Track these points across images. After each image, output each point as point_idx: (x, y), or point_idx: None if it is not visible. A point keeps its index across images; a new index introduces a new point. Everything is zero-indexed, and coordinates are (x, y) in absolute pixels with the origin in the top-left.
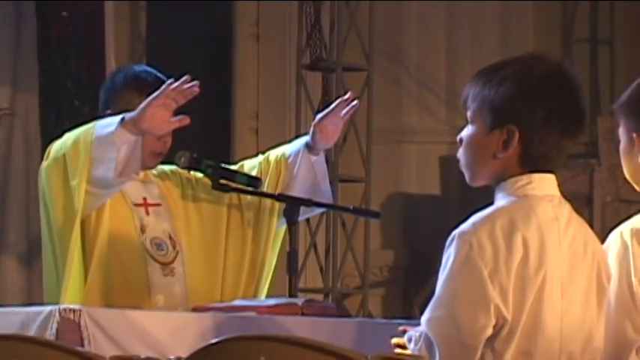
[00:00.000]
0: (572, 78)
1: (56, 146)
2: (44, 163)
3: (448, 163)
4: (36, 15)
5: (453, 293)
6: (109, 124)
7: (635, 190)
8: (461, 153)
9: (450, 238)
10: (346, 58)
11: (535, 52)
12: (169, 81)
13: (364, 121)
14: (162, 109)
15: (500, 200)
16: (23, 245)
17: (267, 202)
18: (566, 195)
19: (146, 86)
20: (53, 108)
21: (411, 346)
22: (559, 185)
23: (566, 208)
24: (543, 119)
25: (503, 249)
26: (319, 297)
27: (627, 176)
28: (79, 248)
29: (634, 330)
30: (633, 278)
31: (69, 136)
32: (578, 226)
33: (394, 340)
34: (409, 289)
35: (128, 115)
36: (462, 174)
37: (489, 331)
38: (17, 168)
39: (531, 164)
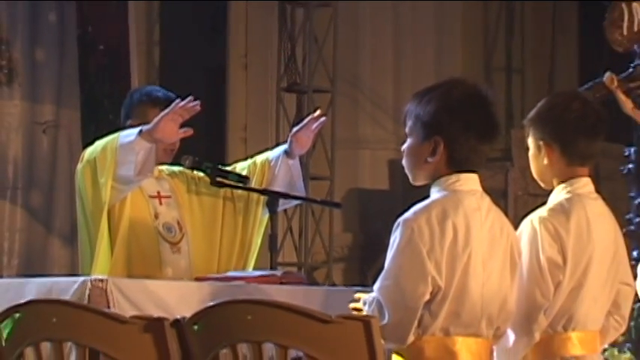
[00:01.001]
0: (486, 96)
1: (88, 152)
2: (79, 165)
3: (394, 165)
4: (77, 46)
5: (399, 267)
6: (130, 134)
7: (540, 187)
8: (404, 160)
9: (396, 223)
10: (315, 82)
11: (456, 78)
12: (177, 100)
13: (329, 132)
14: (172, 122)
15: (435, 194)
16: (67, 229)
17: (254, 195)
18: (487, 190)
19: (157, 101)
20: (92, 121)
21: (366, 308)
22: (481, 182)
23: (487, 200)
24: (462, 130)
25: (438, 232)
26: (294, 270)
27: (535, 175)
28: (106, 231)
29: (542, 296)
30: (541, 256)
31: (98, 144)
32: (496, 214)
33: (352, 305)
34: (364, 263)
35: (145, 127)
36: (405, 174)
37: (427, 297)
38: (62, 169)
39: (456, 166)
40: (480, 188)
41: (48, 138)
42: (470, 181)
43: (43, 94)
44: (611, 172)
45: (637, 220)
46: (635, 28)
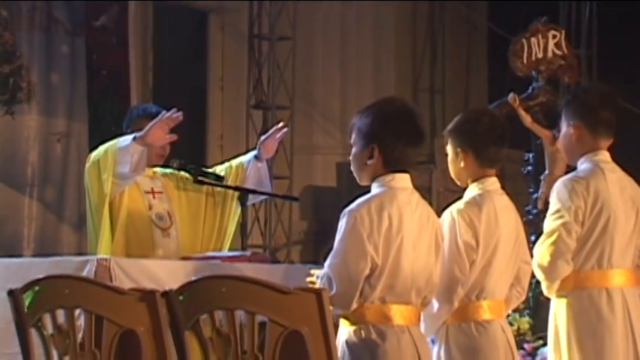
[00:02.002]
0: (413, 110)
1: (94, 154)
2: (87, 165)
3: (341, 167)
4: (86, 72)
5: (344, 248)
6: (126, 139)
7: (457, 185)
8: (351, 165)
9: (342, 213)
10: (277, 101)
11: (389, 96)
12: (164, 112)
13: (289, 140)
14: (160, 129)
15: (374, 190)
16: (75, 218)
17: (229, 191)
18: (416, 187)
19: (151, 115)
20: (97, 132)
21: (318, 281)
22: (412, 181)
23: (416, 195)
24: (393, 138)
25: (376, 220)
26: (260, 251)
27: (453, 176)
28: (108, 219)
29: (460, 271)
30: (459, 239)
31: (102, 148)
32: (423, 206)
33: (308, 279)
34: (316, 245)
35: (138, 134)
36: (350, 173)
37: (367, 272)
38: (71, 170)
39: (391, 167)
40: (410, 185)
41: (61, 146)
42: (402, 180)
43: (57, 110)
44: (514, 173)
45: (534, 211)
46: (533, 58)
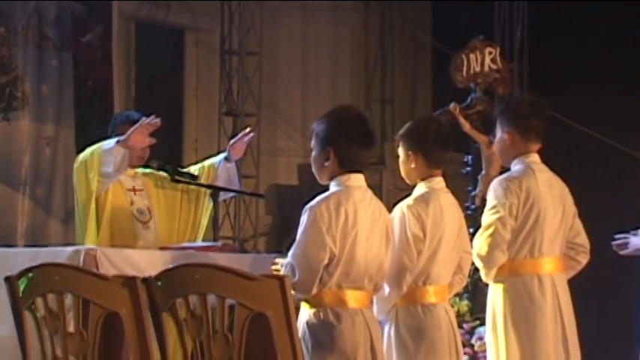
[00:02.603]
0: (364, 117)
1: (81, 156)
2: (75, 165)
3: (302, 168)
4: (73, 83)
5: (305, 240)
6: (110, 142)
7: (406, 183)
8: (312, 166)
9: (304, 209)
10: (246, 109)
11: (344, 105)
12: (144, 118)
13: (256, 144)
14: (140, 134)
15: (332, 188)
16: (62, 214)
17: (202, 189)
18: (369, 185)
19: (133, 122)
20: (83, 136)
21: (282, 269)
22: (365, 180)
23: (369, 193)
24: (346, 141)
25: (334, 215)
26: (230, 242)
27: (403, 175)
28: (94, 214)
29: (408, 260)
30: (408, 231)
31: (88, 150)
32: (376, 203)
33: (273, 267)
34: (280, 237)
35: (121, 138)
36: (311, 173)
37: (326, 261)
38: (59, 171)
39: (346, 167)
40: (364, 184)
41: (49, 149)
42: (357, 179)
43: (46, 117)
44: (455, 173)
45: (473, 207)
46: (471, 72)
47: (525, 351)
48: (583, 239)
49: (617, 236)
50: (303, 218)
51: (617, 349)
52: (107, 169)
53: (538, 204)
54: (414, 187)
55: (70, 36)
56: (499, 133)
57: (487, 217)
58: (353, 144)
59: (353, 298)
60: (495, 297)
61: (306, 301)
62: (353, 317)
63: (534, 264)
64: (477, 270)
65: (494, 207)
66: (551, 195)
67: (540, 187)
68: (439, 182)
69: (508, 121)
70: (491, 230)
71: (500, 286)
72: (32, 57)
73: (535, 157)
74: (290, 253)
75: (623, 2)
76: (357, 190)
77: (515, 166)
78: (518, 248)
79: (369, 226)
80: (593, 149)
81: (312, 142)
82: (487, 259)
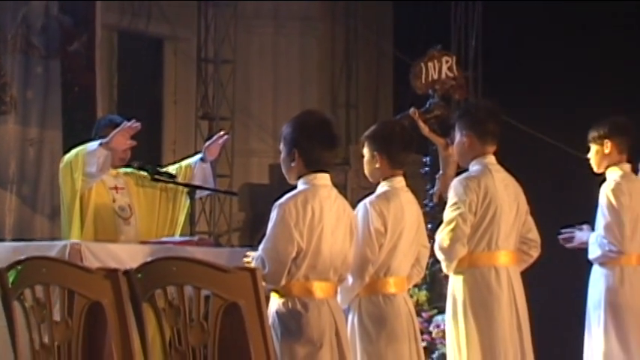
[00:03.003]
0: (327, 119)
1: (67, 157)
2: (61, 165)
3: (273, 168)
4: (61, 87)
5: (275, 235)
6: (94, 144)
7: (369, 182)
8: (281, 166)
9: (274, 206)
10: (220, 112)
11: (309, 109)
12: (125, 122)
13: (230, 145)
14: (121, 136)
15: (300, 187)
16: (47, 210)
17: (180, 187)
18: (334, 184)
19: (116, 125)
20: (70, 138)
21: (253, 262)
22: (331, 179)
23: (334, 191)
24: (310, 143)
25: (301, 212)
26: (206, 236)
27: (367, 175)
28: (78, 211)
29: (371, 253)
30: (371, 226)
31: (73, 151)
32: (341, 200)
33: (245, 259)
34: (252, 232)
35: (104, 140)
36: (281, 173)
37: (294, 254)
38: (45, 170)
39: (311, 167)
40: (329, 183)
41: (33, 150)
42: (323, 179)
43: (30, 121)
44: (414, 173)
45: (430, 204)
46: (430, 79)
47: (484, 337)
48: (535, 235)
49: (564, 231)
50: (273, 215)
51: (566, 331)
52: (91, 170)
53: (495, 201)
54: (376, 185)
55: (57, 45)
56: (458, 137)
57: (449, 213)
58: (316, 145)
59: (319, 288)
60: (455, 287)
61: (276, 291)
62: (319, 306)
63: (491, 257)
64: (435, 262)
65: (455, 204)
66: (507, 193)
67: (497, 186)
68: (400, 181)
69: (466, 125)
70: (452, 225)
71: (460, 277)
72: (19, 64)
73: (492, 159)
74: (260, 247)
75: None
76: (322, 189)
77: (474, 167)
78: (476, 242)
79: (334, 222)
80: (543, 151)
81: (281, 145)
82: (449, 252)
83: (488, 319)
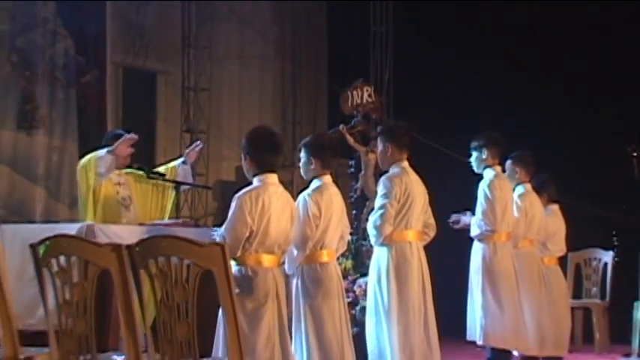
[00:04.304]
0: (273, 132)
1: (82, 161)
2: (77, 167)
3: (238, 168)
4: (77, 110)
5: (233, 219)
6: (102, 152)
7: (306, 181)
8: (243, 168)
9: (234, 197)
10: (199, 127)
11: (260, 125)
12: (126, 134)
13: (206, 151)
14: (124, 145)
15: (255, 183)
16: (67, 200)
17: (168, 183)
18: (283, 181)
19: (119, 136)
20: (84, 147)
21: (217, 237)
22: (280, 178)
23: (281, 187)
24: (255, 149)
25: (254, 203)
26: (188, 219)
27: (303, 175)
28: (92, 201)
29: (310, 231)
30: (309, 211)
31: (87, 157)
32: (285, 194)
33: (211, 233)
34: (222, 216)
35: (110, 148)
36: (242, 173)
37: (247, 234)
38: (65, 170)
39: (260, 168)
40: (277, 181)
41: (56, 155)
42: (271, 177)
43: (54, 134)
44: (342, 173)
45: (355, 196)
46: (354, 103)
47: (400, 295)
48: (432, 220)
49: (453, 216)
50: (233, 204)
51: (457, 292)
52: (101, 170)
53: (411, 194)
54: (310, 181)
55: (74, 77)
56: (381, 147)
57: (380, 201)
58: (261, 151)
59: (266, 260)
60: (380, 257)
61: (234, 259)
62: (265, 273)
63: (407, 234)
64: (358, 239)
65: (384, 194)
66: (418, 188)
67: (412, 183)
68: (329, 179)
69: (388, 138)
70: (383, 210)
71: (384, 249)
72: (46, 92)
73: (406, 163)
74: (223, 226)
75: (463, 44)
76: (271, 186)
77: (394, 169)
78: (397, 223)
79: (279, 211)
80: (438, 158)
81: (242, 151)
82: (380, 229)
83: (404, 281)
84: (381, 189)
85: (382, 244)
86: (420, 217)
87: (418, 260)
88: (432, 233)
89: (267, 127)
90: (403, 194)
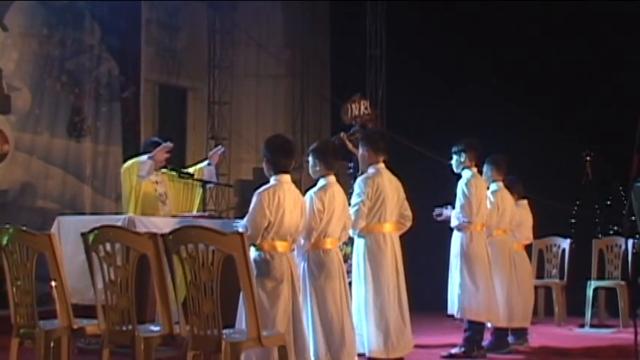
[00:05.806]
0: (287, 139)
1: (126, 164)
2: (122, 170)
3: (256, 170)
4: (120, 120)
5: (254, 212)
6: (144, 157)
7: (314, 180)
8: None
9: (255, 193)
10: (222, 135)
11: (276, 134)
12: (163, 143)
13: (228, 155)
14: (161, 152)
15: (271, 182)
16: (113, 196)
17: (196, 182)
18: (294, 180)
19: (157, 144)
20: (127, 152)
21: (240, 228)
22: (291, 178)
23: (293, 185)
24: (272, 153)
25: (272, 198)
26: (214, 212)
27: (310, 174)
28: (134, 197)
29: (315, 223)
30: (314, 207)
31: (130, 161)
32: (296, 191)
33: (234, 224)
34: (242, 210)
35: (150, 155)
36: (262, 172)
37: (265, 224)
38: (110, 171)
39: (277, 169)
40: (289, 180)
41: (102, 159)
42: (285, 177)
43: (99, 140)
44: (343, 173)
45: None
46: (353, 114)
47: (376, 279)
48: (409, 212)
49: (436, 209)
50: (254, 199)
51: (433, 280)
52: (142, 173)
53: (383, 192)
54: (316, 181)
55: (116, 93)
56: (361, 151)
57: (355, 200)
58: (277, 155)
59: (281, 246)
60: (358, 247)
61: (254, 245)
62: (280, 257)
63: (381, 227)
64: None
65: (358, 194)
66: (391, 187)
67: (385, 182)
68: (333, 178)
69: (366, 143)
70: (357, 207)
71: (362, 240)
72: (93, 105)
73: (382, 165)
74: (245, 218)
75: (445, 67)
76: (285, 184)
77: (370, 170)
78: (372, 217)
79: (291, 205)
80: (425, 160)
81: (263, 156)
82: (355, 224)
83: (379, 268)
84: (356, 189)
85: (360, 236)
86: (394, 210)
87: (392, 248)
88: (409, 223)
89: (282, 135)
90: (375, 193)
